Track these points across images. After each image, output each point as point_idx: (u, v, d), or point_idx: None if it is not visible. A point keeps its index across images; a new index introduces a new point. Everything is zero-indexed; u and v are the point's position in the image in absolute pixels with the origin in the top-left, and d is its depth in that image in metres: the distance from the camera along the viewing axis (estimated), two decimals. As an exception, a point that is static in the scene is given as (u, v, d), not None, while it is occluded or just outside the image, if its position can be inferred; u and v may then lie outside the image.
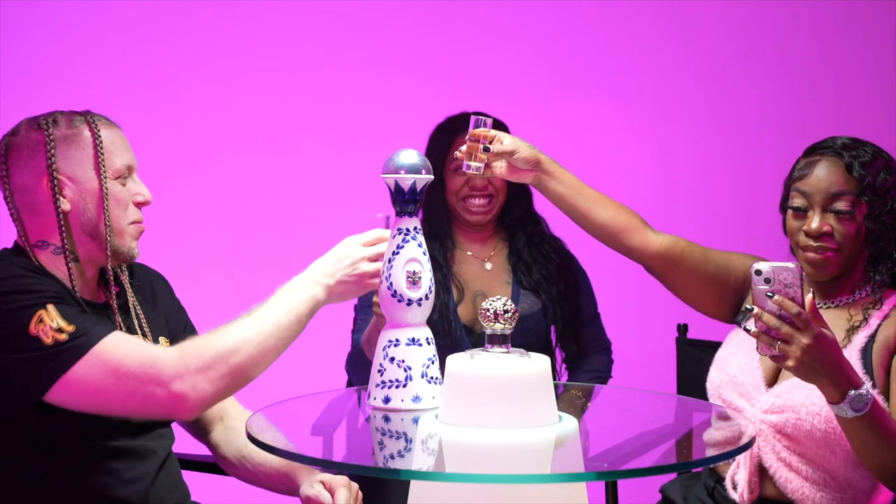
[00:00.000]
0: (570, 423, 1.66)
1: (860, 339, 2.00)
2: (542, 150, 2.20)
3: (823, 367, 1.76)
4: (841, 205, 2.00)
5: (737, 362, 2.11)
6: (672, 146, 3.63)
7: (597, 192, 2.24)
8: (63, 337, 1.72)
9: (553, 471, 1.59)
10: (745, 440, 1.69)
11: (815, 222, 2.01)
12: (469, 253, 2.67)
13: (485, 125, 2.10)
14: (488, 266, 2.66)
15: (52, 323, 1.72)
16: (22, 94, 3.20)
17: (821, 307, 2.08)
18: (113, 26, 3.39)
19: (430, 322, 2.44)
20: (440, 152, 2.62)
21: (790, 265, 1.73)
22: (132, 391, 1.72)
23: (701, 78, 3.62)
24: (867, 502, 1.99)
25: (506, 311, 1.66)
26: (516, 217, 2.68)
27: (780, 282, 1.73)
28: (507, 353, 1.65)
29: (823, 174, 2.02)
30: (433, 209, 2.64)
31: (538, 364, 1.64)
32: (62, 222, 1.85)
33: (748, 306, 1.79)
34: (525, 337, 2.53)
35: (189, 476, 2.11)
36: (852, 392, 1.77)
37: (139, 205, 1.93)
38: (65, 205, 1.85)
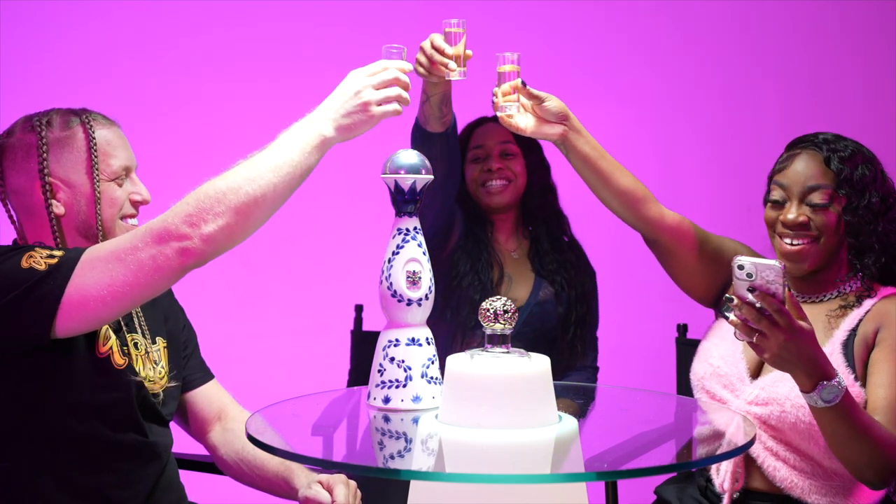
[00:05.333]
0: (570, 423, 1.66)
1: (842, 333, 2.03)
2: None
3: (799, 360, 1.78)
4: (817, 197, 2.04)
5: (720, 353, 2.13)
6: (672, 146, 3.63)
7: (615, 160, 2.19)
8: (55, 260, 1.71)
9: (553, 471, 1.59)
10: (739, 441, 1.69)
11: (791, 213, 2.05)
12: (501, 240, 2.76)
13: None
14: (515, 255, 2.74)
15: (41, 255, 1.72)
16: (22, 94, 3.20)
17: (803, 302, 2.11)
18: (113, 26, 3.39)
19: (471, 300, 2.52)
20: (461, 148, 2.71)
21: (774, 263, 1.73)
22: (140, 263, 1.68)
23: (701, 78, 3.62)
24: (853, 488, 2.01)
25: (506, 311, 1.66)
26: (536, 207, 2.75)
27: (763, 278, 1.73)
28: (507, 353, 1.65)
29: (802, 167, 2.06)
30: (466, 205, 2.72)
31: (538, 364, 1.64)
32: (54, 225, 1.84)
33: (729, 296, 1.80)
34: (543, 321, 2.62)
35: (187, 476, 2.11)
36: (824, 383, 1.80)
37: (136, 204, 1.92)
38: (58, 208, 1.85)
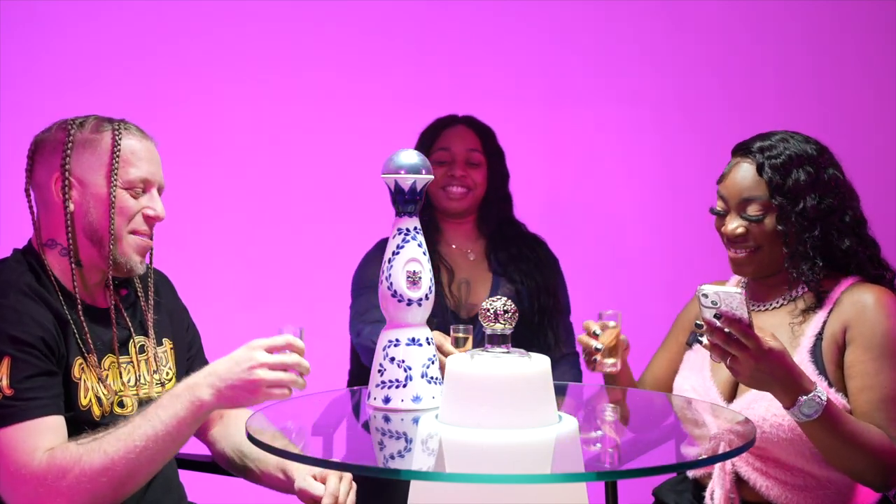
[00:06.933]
0: (570, 423, 1.66)
1: (808, 340, 2.01)
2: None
3: (774, 379, 1.80)
4: (752, 210, 2.05)
5: (691, 385, 2.13)
6: (673, 146, 3.63)
7: None
8: None
9: (553, 471, 1.59)
10: (722, 449, 1.69)
11: (731, 224, 2.07)
12: (453, 246, 2.76)
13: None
14: (471, 256, 2.74)
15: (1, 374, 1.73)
16: (22, 93, 3.20)
17: (759, 311, 2.12)
18: (114, 26, 3.39)
19: None
20: (425, 146, 2.74)
21: (735, 290, 1.75)
22: (4, 490, 1.72)
23: (702, 78, 3.62)
24: (850, 494, 2.01)
25: (506, 311, 1.66)
26: (492, 214, 2.78)
27: (727, 305, 1.76)
28: (508, 353, 1.65)
29: (738, 177, 2.07)
30: (425, 204, 2.71)
31: (538, 364, 1.64)
32: (69, 223, 1.85)
33: (698, 322, 1.83)
34: None
35: (186, 476, 2.11)
36: (803, 398, 1.80)
37: (149, 220, 1.91)
38: (69, 206, 1.85)
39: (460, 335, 2.19)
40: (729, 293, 1.75)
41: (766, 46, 3.59)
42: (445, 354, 2.13)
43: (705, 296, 1.77)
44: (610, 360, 2.11)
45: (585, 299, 2.86)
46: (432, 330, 1.89)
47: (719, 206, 2.10)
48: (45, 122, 1.96)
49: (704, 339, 1.82)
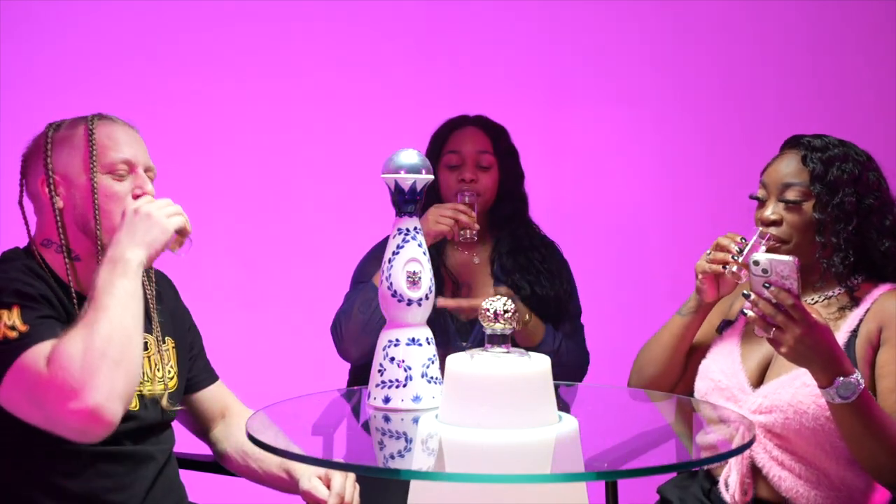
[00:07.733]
0: (570, 423, 1.66)
1: (842, 336, 2.01)
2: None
3: (815, 354, 1.81)
4: (791, 195, 2.07)
5: (719, 367, 2.13)
6: (674, 146, 3.63)
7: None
8: (13, 335, 1.71)
9: (553, 471, 1.59)
10: (737, 442, 1.69)
11: (768, 210, 2.09)
12: (463, 251, 2.72)
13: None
14: (476, 259, 2.70)
15: (8, 321, 1.72)
16: (22, 94, 3.20)
17: None
18: (113, 26, 3.39)
19: None
20: (435, 148, 2.71)
21: (787, 258, 1.77)
22: (41, 404, 1.69)
23: (703, 78, 3.62)
24: (863, 501, 1.99)
25: (506, 311, 1.66)
26: (504, 216, 2.73)
27: (777, 273, 1.78)
28: (507, 353, 1.65)
29: (782, 165, 2.11)
30: (428, 205, 2.67)
31: (538, 364, 1.64)
32: (58, 220, 1.86)
33: (746, 292, 1.84)
34: None
35: (187, 476, 2.11)
36: (841, 379, 1.81)
37: (138, 199, 1.90)
38: (58, 202, 1.86)
39: (467, 200, 2.53)
40: (781, 260, 1.77)
41: (767, 46, 3.59)
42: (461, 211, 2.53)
43: (756, 263, 1.79)
44: (742, 272, 2.07)
45: (585, 299, 2.86)
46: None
47: (759, 192, 2.13)
48: (45, 122, 1.97)
49: (749, 311, 1.83)
